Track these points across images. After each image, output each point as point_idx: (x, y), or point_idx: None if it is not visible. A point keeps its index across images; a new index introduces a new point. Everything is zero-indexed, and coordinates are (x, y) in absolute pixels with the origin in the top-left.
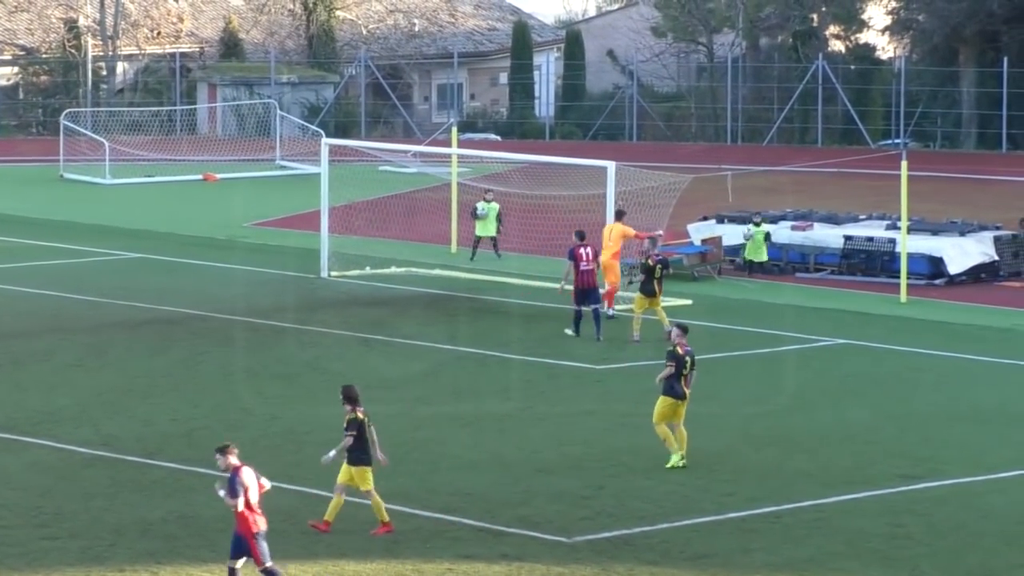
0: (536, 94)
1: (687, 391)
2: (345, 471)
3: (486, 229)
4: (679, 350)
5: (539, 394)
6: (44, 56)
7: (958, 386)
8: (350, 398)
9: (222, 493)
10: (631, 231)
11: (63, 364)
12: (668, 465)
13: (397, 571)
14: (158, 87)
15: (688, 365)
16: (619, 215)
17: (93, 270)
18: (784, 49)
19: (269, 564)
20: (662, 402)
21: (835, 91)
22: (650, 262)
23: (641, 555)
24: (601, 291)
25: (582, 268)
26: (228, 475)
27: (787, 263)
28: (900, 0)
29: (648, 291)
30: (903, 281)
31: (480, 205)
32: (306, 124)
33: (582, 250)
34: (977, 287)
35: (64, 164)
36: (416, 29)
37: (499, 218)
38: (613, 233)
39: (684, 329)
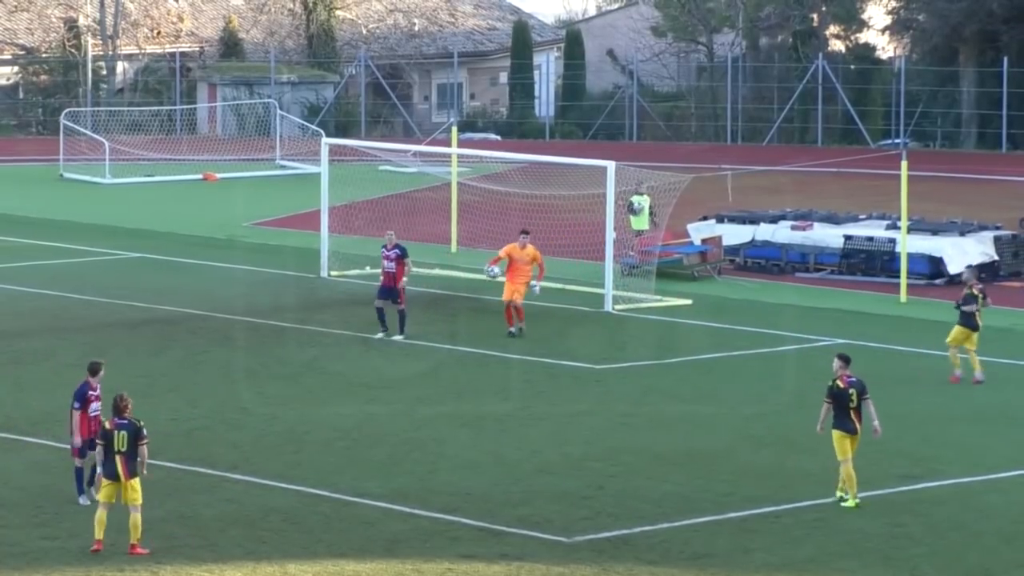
0: (536, 94)
1: (859, 425)
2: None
3: (640, 223)
4: (839, 384)
5: (539, 394)
6: (44, 56)
7: (958, 386)
8: (114, 407)
9: None
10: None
11: (63, 364)
12: (844, 503)
13: (397, 571)
14: (158, 87)
15: (853, 398)
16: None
17: (93, 270)
18: (784, 49)
19: None
20: (835, 436)
21: (835, 91)
22: (975, 291)
23: (641, 555)
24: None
25: (385, 268)
26: None
27: (787, 263)
28: (900, 0)
29: (972, 324)
30: (903, 281)
31: (635, 199)
32: (306, 124)
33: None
34: None
35: (64, 164)
36: (416, 29)
37: (651, 211)
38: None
39: (845, 360)
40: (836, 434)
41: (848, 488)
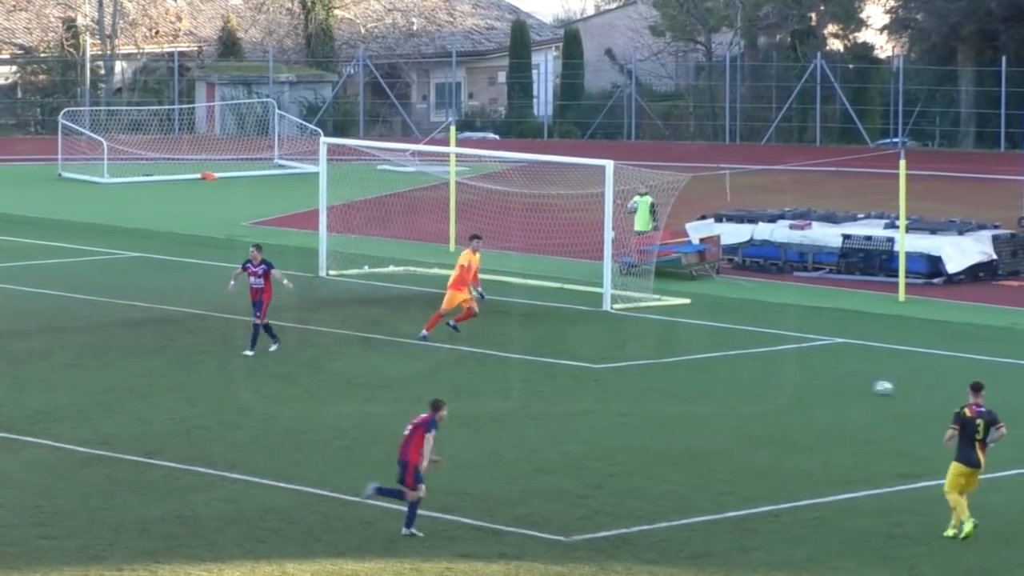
0: (534, 93)
1: (982, 458)
2: None
3: (640, 223)
4: (967, 412)
5: (537, 393)
6: (42, 55)
7: (957, 385)
8: None
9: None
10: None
11: (61, 363)
12: (947, 533)
13: (395, 570)
14: (156, 86)
15: (980, 429)
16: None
17: (91, 269)
18: (782, 48)
19: None
20: (953, 469)
21: (833, 90)
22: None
23: (639, 554)
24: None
25: (252, 284)
26: None
27: (785, 262)
28: None
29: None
30: (901, 280)
31: (634, 198)
32: (304, 123)
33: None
34: (975, 286)
35: (62, 163)
36: (414, 28)
37: (652, 211)
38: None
39: (977, 388)
40: (955, 466)
41: (959, 515)
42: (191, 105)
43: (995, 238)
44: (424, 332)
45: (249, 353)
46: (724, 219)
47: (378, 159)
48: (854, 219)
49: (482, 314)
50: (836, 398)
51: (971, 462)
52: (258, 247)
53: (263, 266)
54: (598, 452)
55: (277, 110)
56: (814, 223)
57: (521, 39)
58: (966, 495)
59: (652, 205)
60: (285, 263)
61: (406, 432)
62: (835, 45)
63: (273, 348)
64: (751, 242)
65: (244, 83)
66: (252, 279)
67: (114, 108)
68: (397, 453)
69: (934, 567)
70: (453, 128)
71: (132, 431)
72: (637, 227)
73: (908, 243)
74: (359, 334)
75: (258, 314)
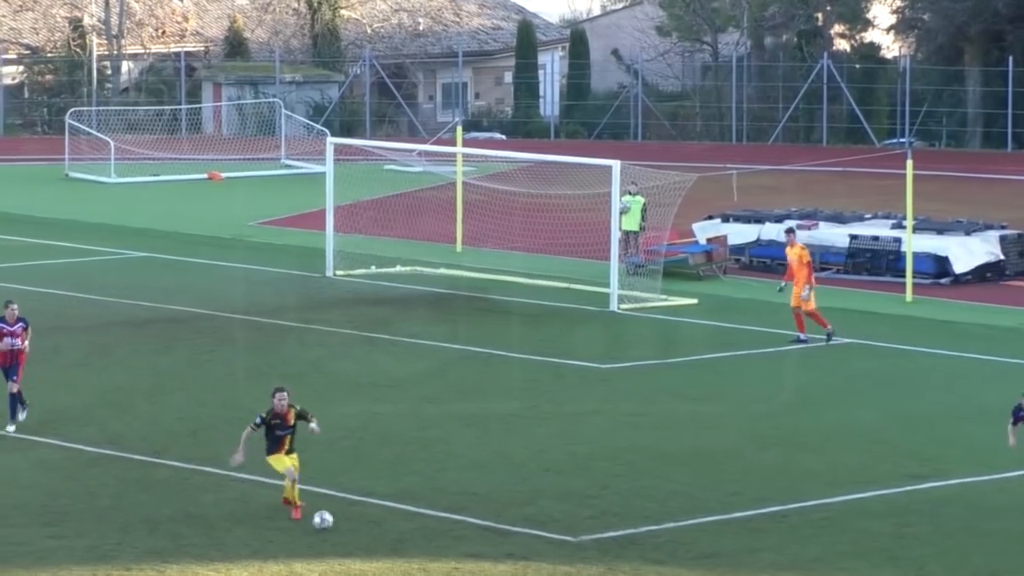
0: (541, 93)
1: None
2: None
3: (629, 223)
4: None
5: (544, 393)
6: (49, 55)
7: (964, 385)
8: None
9: None
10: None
11: (68, 363)
12: None
13: (403, 570)
14: (163, 86)
15: None
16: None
17: (98, 269)
18: (789, 48)
19: None
20: None
21: (840, 90)
22: None
23: (647, 554)
24: None
25: (7, 346)
26: None
27: None
28: None
29: None
30: (908, 280)
31: (624, 199)
32: (311, 123)
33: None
34: (983, 286)
35: (69, 163)
36: (421, 28)
37: (643, 212)
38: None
39: None
40: None
41: None
42: (197, 105)
43: (1002, 238)
44: (801, 335)
45: (11, 428)
46: (731, 219)
47: (385, 159)
48: (861, 219)
49: (489, 313)
50: (844, 398)
51: None
52: (15, 304)
53: (20, 324)
54: (606, 452)
55: (283, 110)
56: (821, 223)
57: (527, 39)
58: None
59: (644, 205)
60: (291, 263)
61: None
62: (842, 45)
63: (22, 417)
64: (758, 242)
65: (250, 83)
66: (9, 340)
67: (120, 108)
68: None
69: (942, 567)
70: (459, 128)
71: (140, 431)
72: (625, 227)
73: (915, 243)
74: (366, 334)
75: (15, 378)
